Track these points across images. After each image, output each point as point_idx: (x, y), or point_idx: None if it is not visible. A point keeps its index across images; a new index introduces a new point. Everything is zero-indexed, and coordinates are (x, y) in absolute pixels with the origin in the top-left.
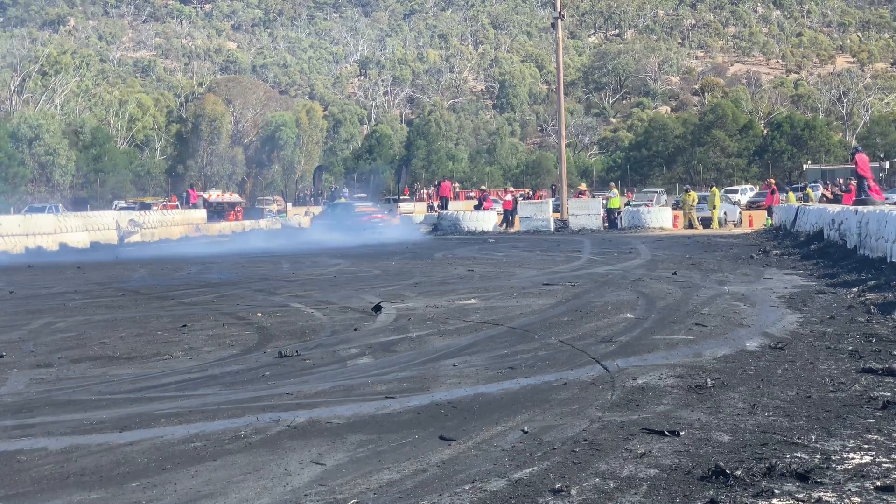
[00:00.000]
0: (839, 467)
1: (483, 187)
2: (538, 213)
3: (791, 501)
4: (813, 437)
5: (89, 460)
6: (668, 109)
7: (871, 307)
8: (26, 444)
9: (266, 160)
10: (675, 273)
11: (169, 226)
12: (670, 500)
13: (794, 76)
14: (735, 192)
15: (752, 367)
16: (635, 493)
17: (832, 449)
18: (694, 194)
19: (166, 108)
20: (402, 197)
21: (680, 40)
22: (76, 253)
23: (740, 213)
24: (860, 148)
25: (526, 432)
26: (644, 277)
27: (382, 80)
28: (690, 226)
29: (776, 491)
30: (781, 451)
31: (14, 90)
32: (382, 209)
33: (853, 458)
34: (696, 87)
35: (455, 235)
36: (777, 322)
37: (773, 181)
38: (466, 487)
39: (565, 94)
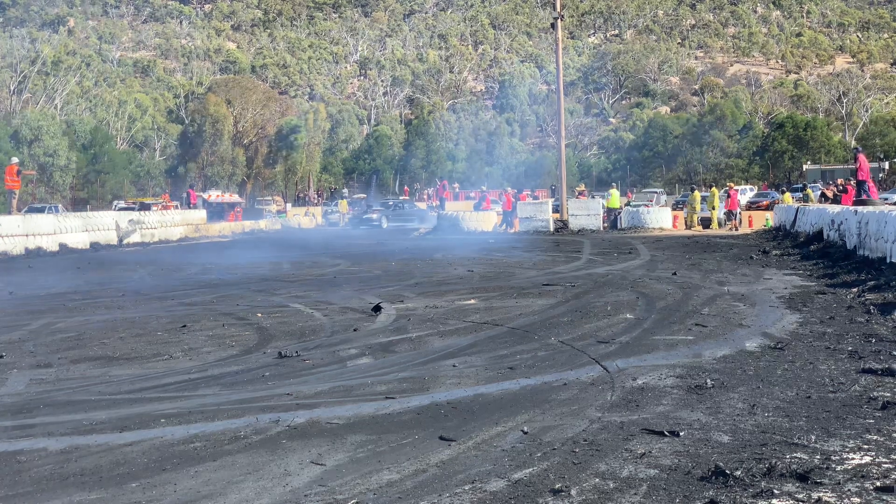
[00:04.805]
0: (839, 467)
1: (483, 187)
2: (538, 213)
3: (791, 501)
4: (813, 437)
5: (89, 461)
6: (668, 110)
7: (871, 307)
8: (26, 445)
9: (272, 162)
10: (674, 273)
11: (169, 226)
12: (670, 500)
13: (793, 76)
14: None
15: (751, 368)
16: (635, 494)
17: (832, 449)
18: (698, 194)
19: (166, 109)
20: (401, 197)
21: (679, 40)
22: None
23: (740, 213)
24: (861, 149)
25: (526, 432)
26: (644, 278)
27: (382, 81)
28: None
29: (776, 491)
30: (781, 452)
31: (14, 90)
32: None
33: (853, 459)
34: (696, 87)
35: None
36: (777, 322)
37: (731, 185)
38: (466, 488)
39: (565, 94)
